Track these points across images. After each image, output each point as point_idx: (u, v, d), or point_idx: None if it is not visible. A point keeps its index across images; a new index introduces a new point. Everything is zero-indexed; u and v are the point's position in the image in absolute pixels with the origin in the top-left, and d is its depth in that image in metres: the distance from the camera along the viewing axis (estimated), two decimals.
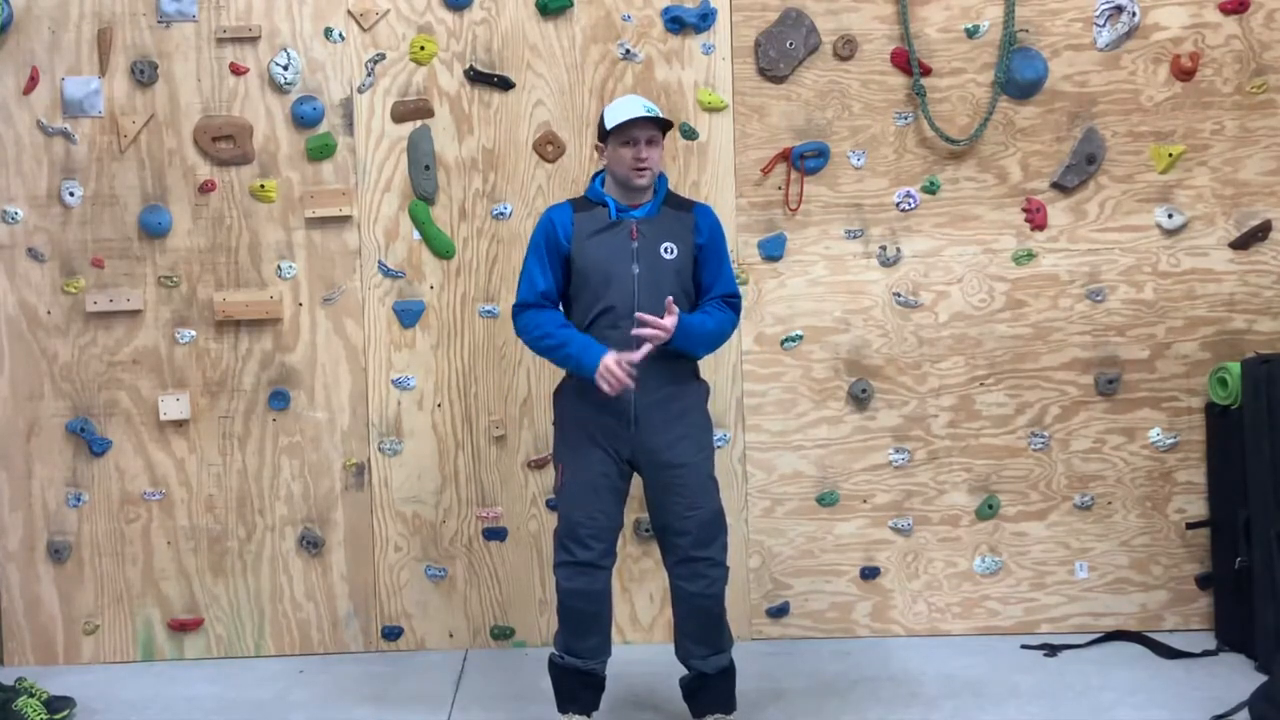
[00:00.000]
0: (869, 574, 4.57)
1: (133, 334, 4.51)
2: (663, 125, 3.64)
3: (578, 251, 3.64)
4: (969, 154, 4.50)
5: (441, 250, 4.52)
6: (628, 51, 4.47)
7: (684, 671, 3.77)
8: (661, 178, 3.74)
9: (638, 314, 3.53)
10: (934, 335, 4.53)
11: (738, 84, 4.49)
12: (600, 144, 3.73)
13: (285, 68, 4.46)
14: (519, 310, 3.72)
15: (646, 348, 3.52)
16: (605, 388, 3.50)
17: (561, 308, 3.72)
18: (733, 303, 3.75)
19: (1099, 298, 4.50)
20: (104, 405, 4.51)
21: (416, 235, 4.51)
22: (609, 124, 3.62)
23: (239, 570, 4.56)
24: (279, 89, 4.47)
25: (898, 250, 4.51)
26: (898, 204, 4.51)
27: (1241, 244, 4.48)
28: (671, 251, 3.64)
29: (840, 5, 4.48)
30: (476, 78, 4.49)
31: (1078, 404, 4.52)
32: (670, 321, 3.52)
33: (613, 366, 3.49)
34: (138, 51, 4.46)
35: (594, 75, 4.49)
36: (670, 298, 3.55)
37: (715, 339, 3.72)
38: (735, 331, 3.86)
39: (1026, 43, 4.45)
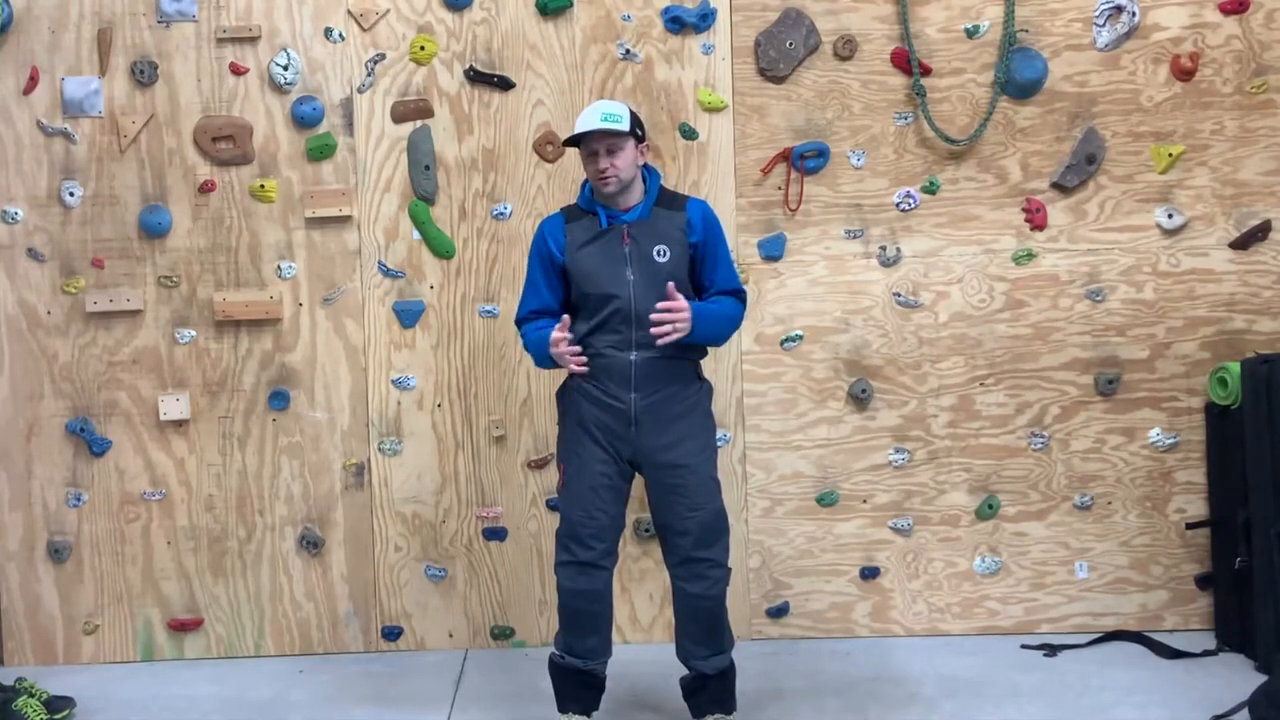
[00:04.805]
0: (869, 574, 4.57)
1: (133, 334, 4.51)
2: (628, 128, 3.60)
3: (571, 262, 3.65)
4: (969, 154, 4.50)
5: (441, 250, 4.51)
6: (627, 51, 4.47)
7: (684, 671, 3.77)
8: (654, 175, 3.74)
9: (654, 315, 3.52)
10: (934, 335, 4.53)
11: (738, 84, 4.49)
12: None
13: (285, 68, 4.46)
14: (517, 325, 3.81)
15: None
16: (570, 365, 3.59)
17: (567, 317, 3.71)
18: (737, 296, 3.74)
19: (1099, 298, 4.50)
20: (104, 405, 4.51)
21: (416, 235, 4.51)
22: (573, 134, 3.65)
23: (239, 570, 4.56)
24: (279, 89, 4.47)
25: (898, 250, 4.51)
26: (898, 204, 4.51)
27: (1241, 244, 4.48)
28: (664, 254, 3.63)
29: (840, 5, 4.48)
30: (476, 78, 4.48)
31: (1078, 404, 4.52)
32: (684, 304, 3.52)
33: (560, 349, 3.57)
34: (138, 51, 4.46)
35: (594, 75, 4.48)
36: (672, 283, 3.54)
37: (728, 325, 3.73)
38: (737, 330, 3.87)
39: (1026, 43, 4.45)
